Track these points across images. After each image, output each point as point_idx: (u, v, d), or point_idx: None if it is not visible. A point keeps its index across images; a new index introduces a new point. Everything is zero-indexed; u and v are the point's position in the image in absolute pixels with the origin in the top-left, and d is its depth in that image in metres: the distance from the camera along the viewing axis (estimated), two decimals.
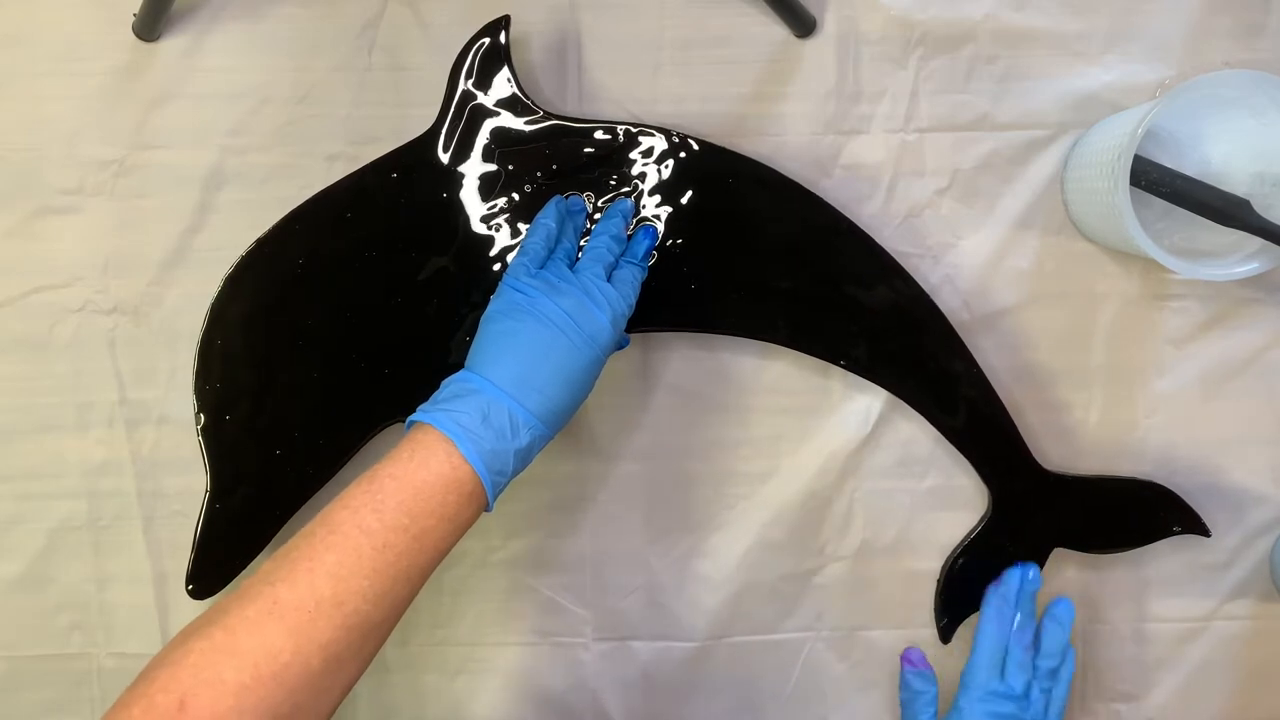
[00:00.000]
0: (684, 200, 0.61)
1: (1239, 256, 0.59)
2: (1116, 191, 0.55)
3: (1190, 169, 0.61)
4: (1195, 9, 0.62)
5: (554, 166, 0.60)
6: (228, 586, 0.60)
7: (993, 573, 0.63)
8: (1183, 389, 0.64)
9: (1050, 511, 0.63)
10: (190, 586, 0.60)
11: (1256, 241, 0.58)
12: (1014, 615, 0.61)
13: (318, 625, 0.45)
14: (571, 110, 0.63)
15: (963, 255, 0.64)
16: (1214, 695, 0.65)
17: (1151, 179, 0.60)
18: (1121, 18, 0.62)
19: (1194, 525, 0.63)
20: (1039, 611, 0.62)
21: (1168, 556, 0.65)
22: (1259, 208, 0.58)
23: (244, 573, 0.60)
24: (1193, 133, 0.62)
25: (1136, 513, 0.63)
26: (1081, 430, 0.64)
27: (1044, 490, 0.63)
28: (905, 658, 0.63)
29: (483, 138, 0.60)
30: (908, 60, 0.63)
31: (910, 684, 0.62)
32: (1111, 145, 0.57)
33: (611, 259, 0.57)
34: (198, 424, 0.60)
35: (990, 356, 0.63)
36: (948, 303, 0.62)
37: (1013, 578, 0.62)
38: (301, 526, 0.48)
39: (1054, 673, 0.61)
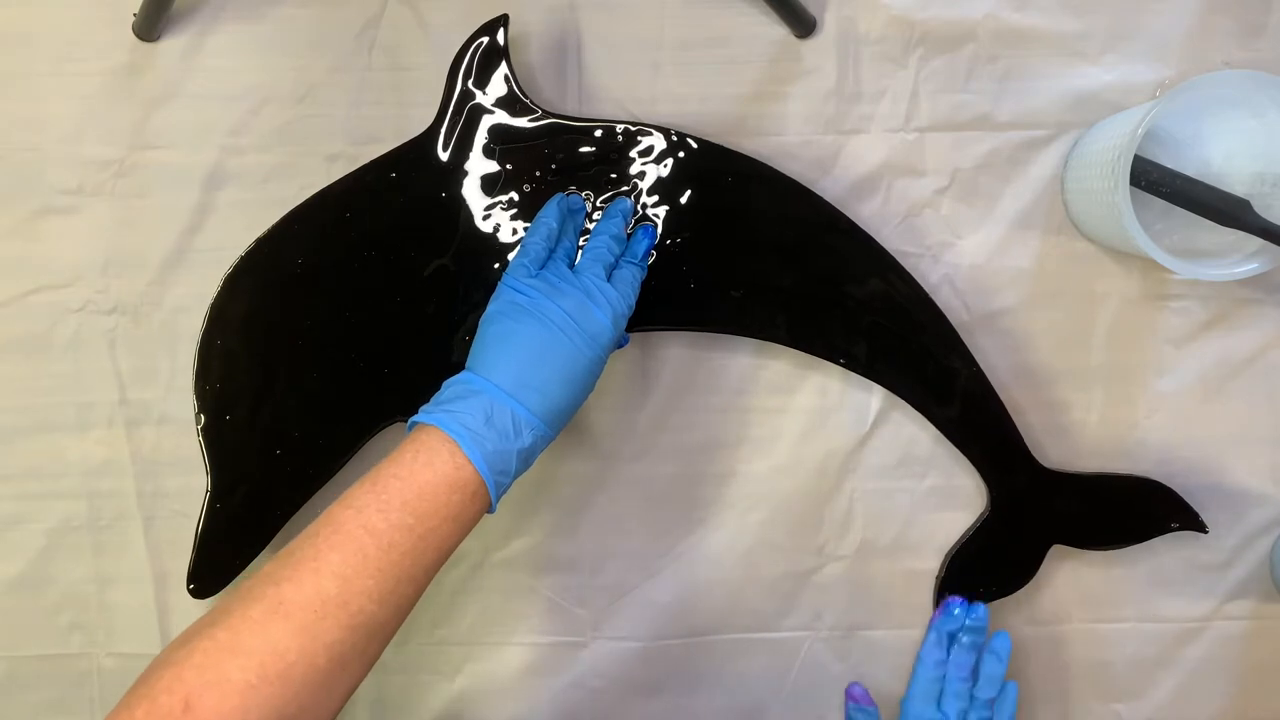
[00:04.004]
0: (683, 199, 0.61)
1: (1239, 256, 0.59)
2: (1116, 191, 0.55)
3: (1190, 169, 0.61)
4: (1195, 9, 0.62)
5: (553, 165, 0.60)
6: (228, 587, 0.60)
7: (992, 569, 0.63)
8: (1183, 389, 0.64)
9: (1048, 508, 0.63)
10: (191, 586, 0.60)
11: (1256, 241, 0.58)
12: (950, 646, 0.62)
13: (324, 625, 0.45)
14: (572, 110, 0.63)
15: (962, 255, 0.64)
16: (1214, 695, 0.65)
17: (1151, 179, 0.60)
18: (1121, 18, 0.62)
19: (1191, 522, 0.63)
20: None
21: (1167, 556, 0.65)
22: (1259, 208, 0.58)
23: (245, 573, 0.60)
24: (1193, 133, 0.62)
25: (1134, 509, 0.63)
26: (1081, 430, 0.64)
27: (1042, 487, 0.63)
28: (849, 693, 0.64)
29: (482, 136, 0.60)
30: (908, 60, 0.63)
31: (853, 718, 0.64)
32: (1111, 145, 0.57)
33: (611, 259, 0.57)
34: (198, 424, 0.60)
35: (990, 356, 0.63)
36: (947, 302, 0.62)
37: (952, 608, 0.63)
38: (303, 526, 0.47)
39: (991, 703, 0.61)
